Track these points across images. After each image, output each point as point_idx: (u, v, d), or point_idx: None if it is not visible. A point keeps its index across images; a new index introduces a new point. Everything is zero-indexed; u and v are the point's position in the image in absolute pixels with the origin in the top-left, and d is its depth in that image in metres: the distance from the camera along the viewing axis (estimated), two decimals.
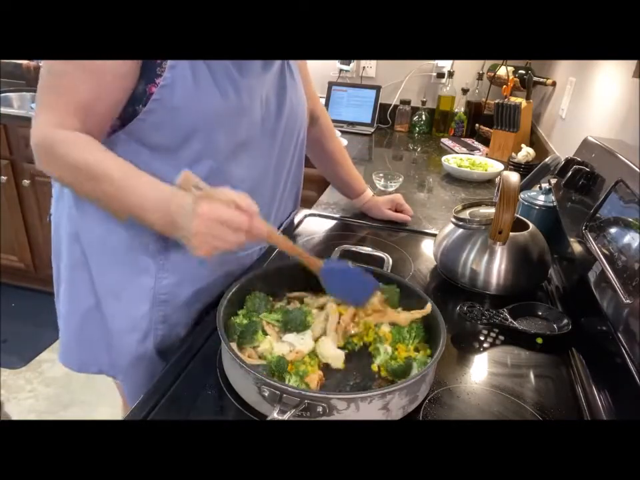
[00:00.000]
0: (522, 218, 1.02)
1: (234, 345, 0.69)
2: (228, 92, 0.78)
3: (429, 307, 0.74)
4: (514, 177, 0.88)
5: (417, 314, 0.75)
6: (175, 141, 0.77)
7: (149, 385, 0.68)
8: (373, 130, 2.26)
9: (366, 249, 1.02)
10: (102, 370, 0.96)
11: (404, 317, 0.76)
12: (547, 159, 1.14)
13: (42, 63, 0.73)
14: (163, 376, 0.70)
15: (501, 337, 0.83)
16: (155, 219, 0.69)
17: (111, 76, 0.70)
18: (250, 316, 0.75)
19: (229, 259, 0.92)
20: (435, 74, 2.28)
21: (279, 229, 1.09)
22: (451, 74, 2.17)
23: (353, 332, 0.75)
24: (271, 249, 1.05)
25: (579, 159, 1.01)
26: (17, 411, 1.80)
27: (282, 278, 0.85)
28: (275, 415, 0.57)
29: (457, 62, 2.22)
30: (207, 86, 0.75)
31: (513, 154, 1.67)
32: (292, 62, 0.94)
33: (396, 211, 1.27)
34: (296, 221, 1.21)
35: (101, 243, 0.85)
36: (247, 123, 0.83)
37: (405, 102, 2.26)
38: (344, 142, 1.97)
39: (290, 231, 1.17)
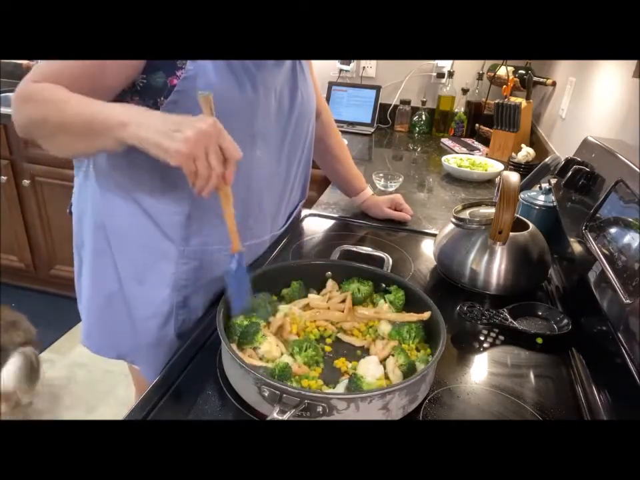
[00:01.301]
0: (522, 218, 1.02)
1: (234, 346, 0.70)
2: (245, 84, 0.80)
3: (427, 314, 0.74)
4: (514, 177, 0.88)
5: (414, 317, 0.75)
6: None
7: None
8: (372, 130, 2.26)
9: (366, 249, 1.02)
10: (121, 354, 0.99)
11: (397, 316, 0.76)
12: (547, 159, 1.14)
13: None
14: (163, 376, 0.70)
15: (501, 337, 0.83)
16: (123, 112, 0.67)
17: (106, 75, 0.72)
18: (250, 317, 0.76)
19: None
20: (434, 74, 2.28)
21: (289, 218, 1.12)
22: (450, 74, 2.17)
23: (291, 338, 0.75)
24: (279, 239, 1.08)
25: (579, 159, 1.01)
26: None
27: (283, 277, 0.85)
28: (274, 415, 0.57)
29: (457, 62, 2.22)
30: (226, 78, 0.78)
31: (513, 154, 1.67)
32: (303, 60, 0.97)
33: (395, 210, 1.27)
34: None
35: (125, 230, 0.89)
36: (262, 115, 0.86)
37: (405, 102, 2.26)
38: (344, 142, 1.97)
39: (297, 220, 1.20)
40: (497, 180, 1.46)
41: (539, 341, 0.82)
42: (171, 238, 0.87)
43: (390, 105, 2.34)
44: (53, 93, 0.70)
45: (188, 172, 0.64)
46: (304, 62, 0.98)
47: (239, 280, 0.75)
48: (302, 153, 1.04)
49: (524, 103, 1.79)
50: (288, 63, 0.91)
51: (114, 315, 0.95)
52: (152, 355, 0.93)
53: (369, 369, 0.68)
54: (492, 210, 0.99)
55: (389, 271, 0.91)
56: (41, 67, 0.73)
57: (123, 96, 0.78)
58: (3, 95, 2.40)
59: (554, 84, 1.84)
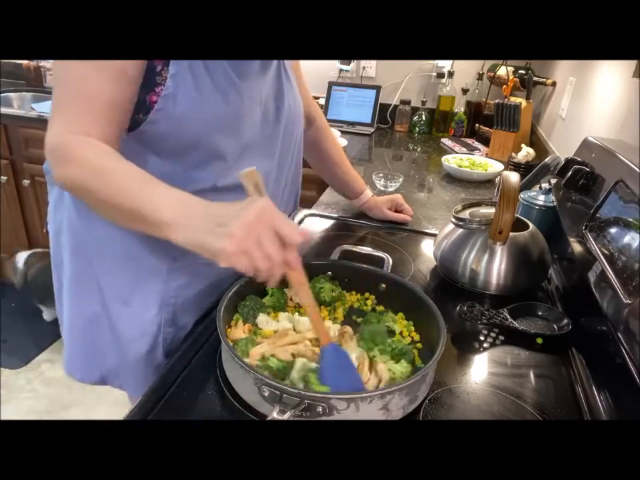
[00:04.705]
0: (522, 218, 1.02)
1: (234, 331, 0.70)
2: (229, 95, 0.77)
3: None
4: (514, 177, 0.88)
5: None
6: (181, 147, 0.76)
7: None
8: (372, 130, 2.26)
9: (366, 249, 1.02)
10: (106, 379, 0.95)
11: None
12: (547, 159, 1.14)
13: (53, 68, 0.70)
14: (163, 376, 0.70)
15: (501, 337, 0.83)
16: (169, 210, 0.60)
17: (127, 78, 0.68)
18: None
19: None
20: (434, 74, 2.28)
21: None
22: (450, 74, 2.17)
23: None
24: None
25: (579, 159, 1.01)
26: (17, 411, 1.80)
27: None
28: (274, 415, 0.57)
29: (457, 62, 2.22)
30: (209, 92, 0.74)
31: (513, 154, 1.66)
32: (287, 65, 0.93)
33: (396, 211, 1.27)
34: (296, 220, 1.21)
35: (107, 249, 0.84)
36: (249, 124, 0.83)
37: (405, 102, 2.26)
38: (344, 142, 1.97)
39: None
40: (497, 180, 1.46)
41: (539, 341, 0.82)
42: (158, 254, 0.83)
43: (390, 104, 2.34)
44: (94, 159, 0.65)
45: (244, 269, 0.57)
46: (289, 69, 0.94)
47: (336, 372, 0.64)
48: (291, 162, 1.01)
49: (524, 103, 1.79)
50: (272, 70, 0.87)
51: (97, 338, 0.90)
52: (140, 376, 0.89)
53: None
54: (492, 210, 0.99)
55: (389, 271, 0.91)
56: (64, 106, 0.68)
57: None
58: (3, 95, 2.40)
59: (554, 84, 1.84)
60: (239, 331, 0.74)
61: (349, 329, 0.74)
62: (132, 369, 0.90)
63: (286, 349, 0.68)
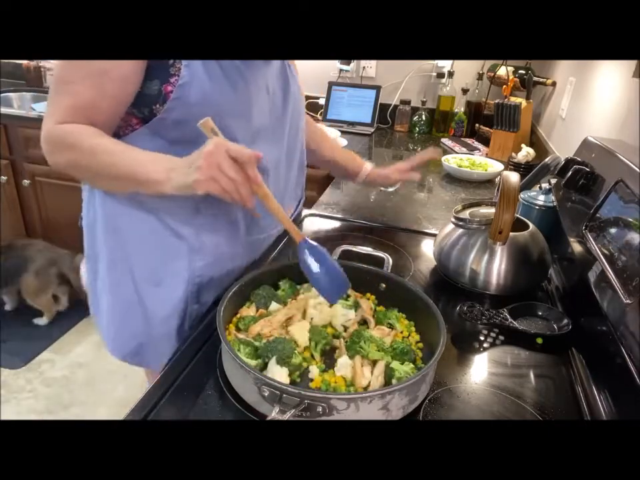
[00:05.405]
0: (522, 218, 1.02)
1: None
2: (238, 84, 0.82)
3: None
4: (514, 177, 0.88)
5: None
6: (194, 134, 0.79)
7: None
8: (372, 130, 2.25)
9: (366, 249, 1.02)
10: (143, 361, 1.01)
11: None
12: (547, 159, 1.14)
13: (53, 68, 0.79)
14: (163, 376, 0.70)
15: (501, 337, 0.83)
16: (157, 171, 0.74)
17: (111, 79, 0.74)
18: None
19: (251, 241, 0.98)
20: (434, 74, 2.28)
21: (291, 216, 1.11)
22: (450, 74, 2.17)
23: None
24: (279, 239, 1.08)
25: (579, 159, 1.01)
26: (17, 411, 1.80)
27: (283, 277, 0.86)
28: (274, 414, 0.57)
29: (457, 62, 2.21)
30: (219, 80, 0.79)
31: (513, 154, 1.66)
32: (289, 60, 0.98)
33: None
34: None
35: (136, 233, 0.91)
36: (257, 111, 0.87)
37: (405, 102, 2.26)
38: (344, 142, 1.97)
39: (298, 219, 1.20)
40: (497, 180, 1.46)
41: (539, 341, 0.82)
42: (181, 235, 0.89)
43: (390, 105, 2.34)
44: (84, 139, 0.75)
45: (217, 193, 0.70)
46: (292, 65, 0.99)
47: (318, 266, 0.77)
48: (298, 144, 1.04)
49: (524, 102, 1.79)
50: (277, 62, 0.92)
51: (134, 320, 0.96)
52: (167, 352, 0.91)
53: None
54: (492, 210, 0.99)
55: (389, 271, 0.91)
56: (54, 103, 0.77)
57: None
58: (3, 95, 2.40)
59: (554, 84, 1.84)
60: (250, 311, 0.79)
61: (341, 340, 0.74)
62: (162, 346, 0.95)
63: (282, 325, 0.74)
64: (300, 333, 0.72)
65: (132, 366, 1.05)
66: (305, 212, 1.27)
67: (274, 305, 0.79)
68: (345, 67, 2.33)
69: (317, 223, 1.25)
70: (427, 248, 1.14)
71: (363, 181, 1.22)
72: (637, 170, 0.76)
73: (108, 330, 1.02)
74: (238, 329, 0.75)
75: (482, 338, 0.83)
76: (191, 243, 0.90)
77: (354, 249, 1.01)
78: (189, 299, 0.92)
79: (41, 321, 2.19)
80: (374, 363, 0.70)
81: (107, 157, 0.75)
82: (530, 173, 1.18)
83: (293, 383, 0.67)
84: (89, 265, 1.01)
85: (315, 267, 0.78)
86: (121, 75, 0.74)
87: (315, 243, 0.79)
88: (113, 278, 0.96)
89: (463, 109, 2.18)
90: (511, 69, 1.94)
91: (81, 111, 0.76)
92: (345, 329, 0.78)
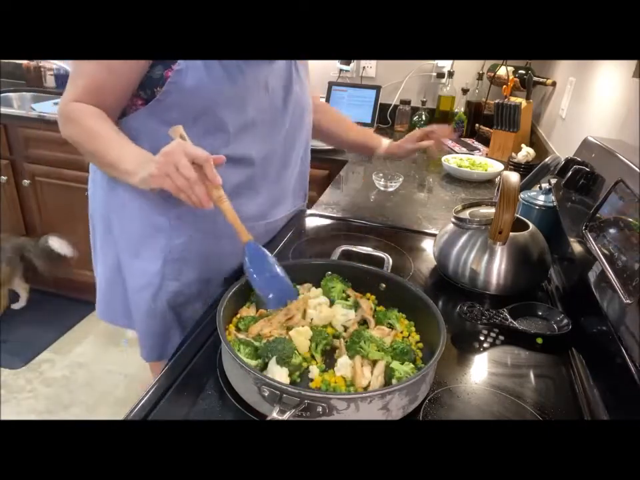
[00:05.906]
0: (522, 218, 1.02)
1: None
2: (235, 76, 0.87)
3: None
4: (514, 177, 0.88)
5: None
6: (188, 118, 0.87)
7: (162, 336, 0.93)
8: (373, 130, 2.25)
9: (366, 249, 1.02)
10: (122, 323, 1.11)
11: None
12: (547, 159, 1.14)
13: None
14: (163, 376, 0.70)
15: (501, 337, 0.83)
16: (130, 162, 0.81)
17: (119, 62, 0.82)
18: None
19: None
20: (434, 74, 2.28)
21: (293, 213, 1.19)
22: (450, 74, 2.17)
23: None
24: (279, 239, 1.10)
25: (579, 159, 1.00)
26: (17, 411, 1.80)
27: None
28: (274, 415, 0.57)
29: (457, 62, 2.21)
30: (217, 71, 0.85)
31: (513, 154, 1.66)
32: (298, 61, 1.02)
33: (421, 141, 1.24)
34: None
35: (125, 209, 0.98)
36: (253, 105, 0.92)
37: (405, 102, 2.26)
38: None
39: (302, 215, 1.23)
40: (497, 180, 1.46)
41: (539, 341, 0.82)
42: (163, 212, 0.95)
43: (390, 104, 2.34)
44: (86, 120, 0.85)
45: (171, 190, 0.74)
46: (300, 66, 1.04)
47: (260, 270, 0.80)
48: (300, 143, 1.09)
49: (524, 102, 1.79)
50: (281, 62, 0.97)
51: (115, 287, 1.05)
52: (146, 325, 1.03)
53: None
54: (492, 210, 0.99)
55: (389, 271, 0.91)
56: (71, 82, 0.86)
57: None
58: (3, 95, 2.40)
59: (554, 84, 1.84)
60: (250, 311, 0.79)
61: (341, 341, 0.74)
62: (140, 314, 1.03)
63: (282, 325, 0.75)
64: (300, 339, 0.71)
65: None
66: (305, 212, 1.27)
67: None
68: (345, 67, 2.33)
69: (317, 222, 1.25)
70: (427, 248, 1.14)
71: (383, 153, 1.28)
72: (637, 170, 0.76)
73: (98, 293, 1.13)
74: (238, 329, 0.75)
75: (482, 338, 0.83)
76: (171, 220, 0.95)
77: (354, 249, 1.01)
78: (165, 274, 0.98)
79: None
80: (374, 363, 0.70)
81: (98, 141, 0.84)
82: (530, 173, 1.18)
83: (293, 383, 0.67)
84: (92, 238, 1.11)
85: (256, 270, 0.80)
86: (125, 67, 0.82)
87: (260, 247, 0.83)
88: (103, 246, 1.06)
89: (463, 109, 2.18)
90: (510, 69, 1.94)
91: (94, 90, 0.84)
92: (345, 329, 0.78)
